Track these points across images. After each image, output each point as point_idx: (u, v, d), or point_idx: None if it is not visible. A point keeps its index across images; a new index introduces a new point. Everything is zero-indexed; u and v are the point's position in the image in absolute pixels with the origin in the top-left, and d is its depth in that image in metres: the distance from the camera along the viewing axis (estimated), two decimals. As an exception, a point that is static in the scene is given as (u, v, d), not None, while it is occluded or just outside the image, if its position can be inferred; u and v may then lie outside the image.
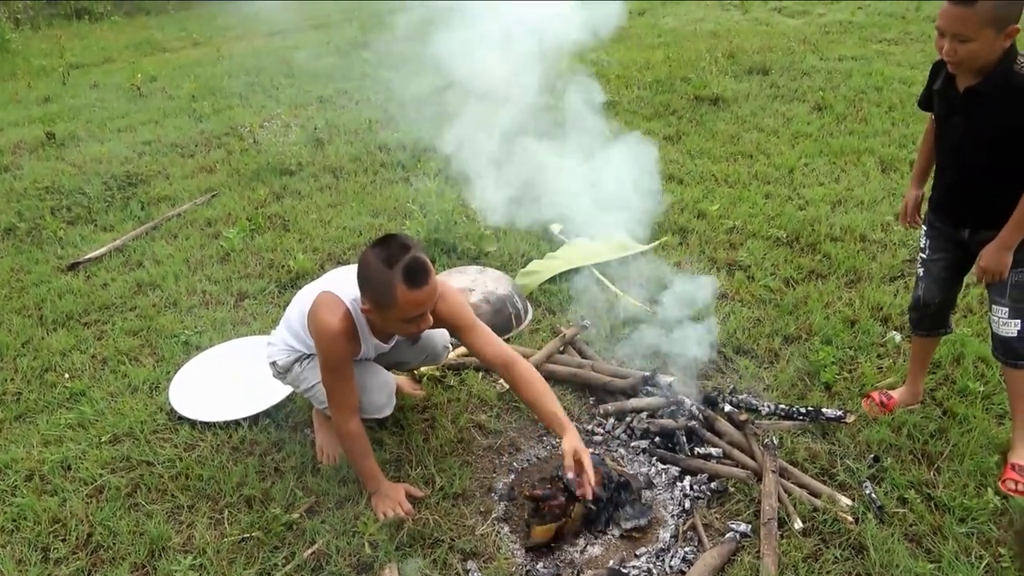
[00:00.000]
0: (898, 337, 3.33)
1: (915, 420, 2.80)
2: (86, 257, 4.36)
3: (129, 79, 8.26)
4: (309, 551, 2.39)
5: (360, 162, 5.65)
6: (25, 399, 3.19)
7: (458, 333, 2.56)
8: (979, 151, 2.39)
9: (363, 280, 2.29)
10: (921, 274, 2.72)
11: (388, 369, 2.90)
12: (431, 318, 2.35)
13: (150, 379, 3.25)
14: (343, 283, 2.44)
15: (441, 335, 2.82)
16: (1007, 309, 2.48)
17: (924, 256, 2.70)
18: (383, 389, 2.62)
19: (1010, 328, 2.49)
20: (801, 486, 2.53)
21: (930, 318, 2.78)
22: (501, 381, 3.02)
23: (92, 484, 2.69)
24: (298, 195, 5.14)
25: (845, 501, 2.45)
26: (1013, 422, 2.62)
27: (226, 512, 2.56)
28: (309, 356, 2.65)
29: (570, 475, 2.31)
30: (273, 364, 2.71)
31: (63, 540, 2.48)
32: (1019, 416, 2.59)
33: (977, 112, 2.35)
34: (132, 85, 8.09)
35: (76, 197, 5.20)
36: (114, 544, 2.45)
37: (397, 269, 2.19)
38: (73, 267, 4.28)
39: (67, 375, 3.33)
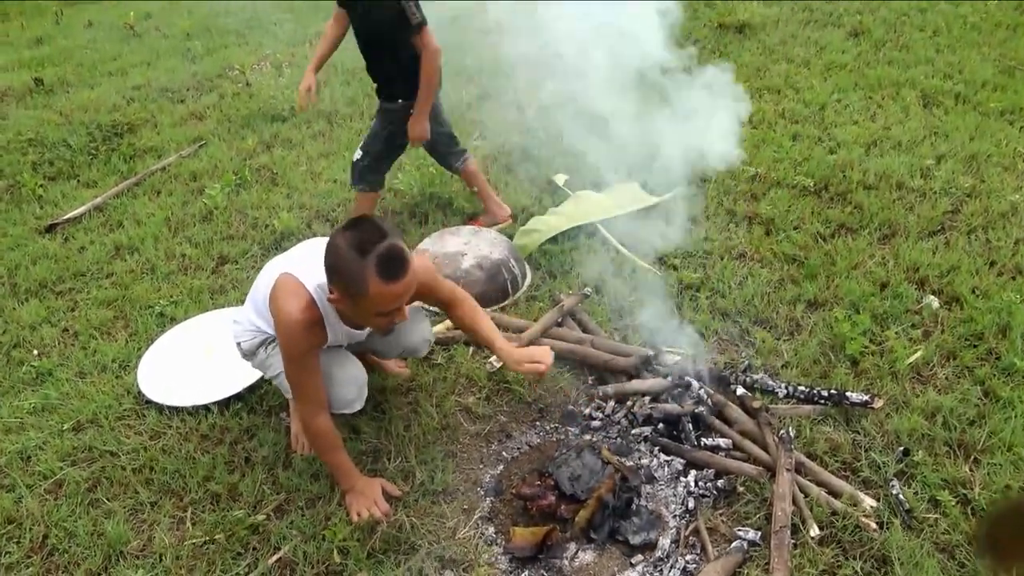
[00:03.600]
0: (936, 303, 2.99)
1: (952, 404, 2.49)
2: (65, 217, 4.13)
3: (123, 17, 7.87)
4: (274, 558, 2.20)
5: (356, 105, 5.29)
6: (-9, 379, 3.02)
7: (433, 300, 2.44)
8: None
9: (332, 268, 2.01)
10: None
11: (365, 355, 2.67)
12: (406, 311, 2.08)
13: (120, 356, 3.04)
14: (310, 264, 2.16)
15: (421, 329, 2.55)
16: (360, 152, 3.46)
17: None
18: (353, 383, 2.37)
19: (356, 153, 3.48)
20: (820, 484, 2.26)
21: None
22: (492, 360, 2.76)
23: (51, 478, 2.51)
24: (289, 144, 4.83)
25: (869, 502, 2.18)
26: None
27: (190, 510, 2.38)
28: (275, 339, 2.40)
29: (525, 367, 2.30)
30: (238, 345, 2.48)
31: (17, 542, 2.31)
32: None
33: None
34: (126, 24, 7.71)
35: (59, 150, 4.94)
36: (70, 548, 2.28)
37: (371, 258, 1.92)
38: (51, 228, 4.06)
39: (36, 352, 3.14)
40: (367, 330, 2.35)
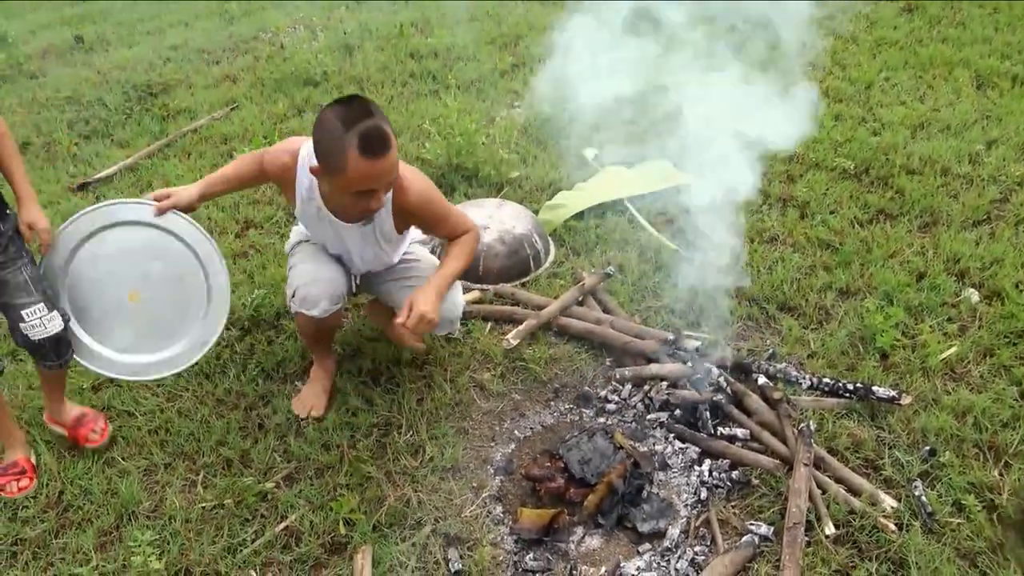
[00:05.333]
0: (975, 297, 2.85)
1: (985, 404, 2.38)
2: (96, 177, 4.16)
3: (164, -25, 7.89)
4: (281, 526, 2.20)
5: (388, 72, 5.23)
6: (19, 334, 3.06)
7: (431, 229, 2.44)
8: None
9: (316, 139, 2.05)
10: None
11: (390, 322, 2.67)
12: (383, 199, 2.09)
13: (142, 317, 3.06)
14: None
15: (452, 305, 2.48)
16: (42, 303, 2.23)
17: None
18: (321, 282, 2.36)
19: (57, 322, 2.25)
20: (838, 481, 2.19)
21: None
22: (508, 337, 2.72)
23: (70, 435, 2.55)
24: (318, 110, 4.79)
25: (889, 502, 2.10)
26: None
27: (202, 474, 2.39)
28: (301, 243, 2.54)
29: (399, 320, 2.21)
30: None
31: (34, 497, 2.35)
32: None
33: None
34: (166, -18, 7.73)
35: (95, 109, 4.99)
36: (84, 505, 2.31)
37: (353, 132, 1.93)
38: (82, 187, 4.10)
39: (62, 309, 3.18)
40: (356, 233, 2.32)
